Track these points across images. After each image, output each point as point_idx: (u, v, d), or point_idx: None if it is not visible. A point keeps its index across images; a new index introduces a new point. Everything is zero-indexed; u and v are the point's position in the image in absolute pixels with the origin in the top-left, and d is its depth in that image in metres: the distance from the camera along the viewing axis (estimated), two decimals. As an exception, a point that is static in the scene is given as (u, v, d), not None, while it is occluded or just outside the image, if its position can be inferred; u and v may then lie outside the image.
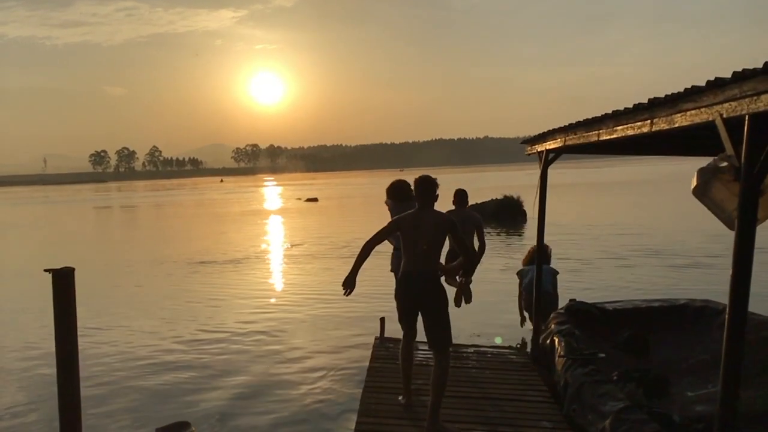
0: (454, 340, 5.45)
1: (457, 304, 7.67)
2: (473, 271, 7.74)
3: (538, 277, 7.29)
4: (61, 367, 3.96)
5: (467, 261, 5.24)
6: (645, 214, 27.62)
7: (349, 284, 5.06)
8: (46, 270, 4.12)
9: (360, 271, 5.04)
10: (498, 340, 6.31)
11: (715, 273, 13.12)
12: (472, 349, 7.37)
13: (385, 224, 5.19)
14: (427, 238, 5.00)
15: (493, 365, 6.72)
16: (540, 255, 7.35)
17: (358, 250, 5.05)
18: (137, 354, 8.81)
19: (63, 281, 4.00)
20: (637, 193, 43.98)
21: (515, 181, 57.74)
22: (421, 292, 5.05)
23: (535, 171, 7.12)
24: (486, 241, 7.81)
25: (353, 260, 5.07)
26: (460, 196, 7.98)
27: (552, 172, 7.16)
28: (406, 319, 5.26)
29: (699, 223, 21.17)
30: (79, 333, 4.14)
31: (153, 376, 7.83)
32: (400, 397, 5.56)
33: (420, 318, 5.19)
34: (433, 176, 5.24)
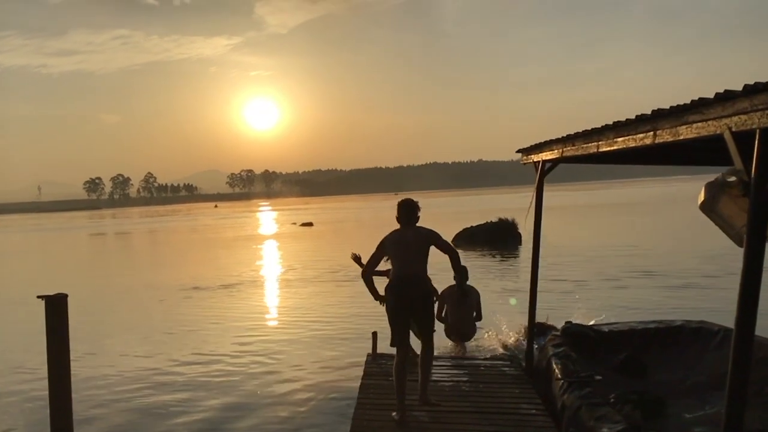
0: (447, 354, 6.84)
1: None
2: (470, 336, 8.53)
3: (533, 288, 7.23)
4: (54, 391, 3.93)
5: (455, 259, 5.85)
6: (640, 236, 27.68)
7: (378, 299, 5.89)
8: (39, 297, 4.11)
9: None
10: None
11: (710, 294, 13.12)
12: (465, 362, 7.31)
13: (375, 252, 5.79)
14: (413, 247, 5.67)
15: (486, 378, 6.67)
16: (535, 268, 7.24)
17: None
18: (129, 377, 8.76)
19: (56, 307, 3.99)
20: (631, 215, 44.11)
21: (510, 204, 57.86)
22: (414, 292, 5.65)
23: (530, 194, 7.10)
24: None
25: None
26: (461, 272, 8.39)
27: (546, 194, 7.14)
28: (399, 324, 5.68)
29: (694, 243, 21.26)
30: (71, 357, 4.11)
31: (145, 399, 7.78)
32: (394, 413, 5.55)
33: (408, 331, 5.82)
34: (418, 199, 5.95)
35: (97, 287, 19.04)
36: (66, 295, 4.05)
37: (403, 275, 5.65)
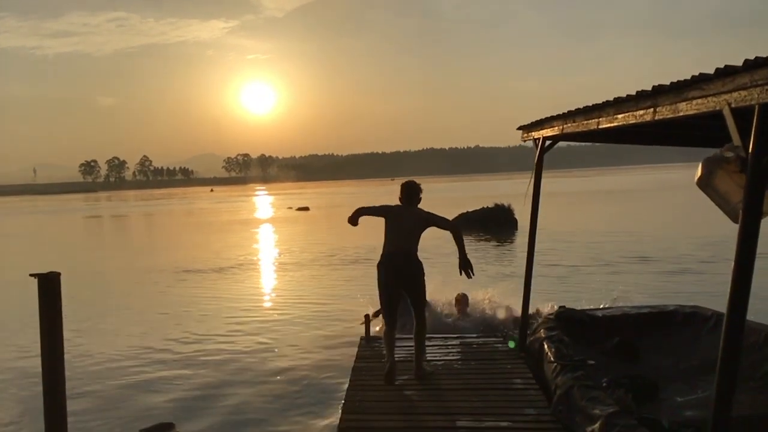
0: (442, 334, 7.17)
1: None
2: None
3: (529, 266, 7.24)
4: (47, 368, 3.92)
5: (454, 230, 6.03)
6: (635, 222, 27.73)
7: (352, 223, 6.08)
8: (31, 275, 4.09)
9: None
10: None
11: (703, 279, 13.18)
12: (457, 341, 7.34)
13: (378, 205, 6.21)
14: (409, 225, 5.95)
15: (478, 356, 6.70)
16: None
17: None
18: (123, 354, 8.84)
19: (49, 285, 3.97)
20: (627, 202, 44.17)
21: (506, 190, 57.89)
22: (403, 267, 5.92)
23: (525, 181, 7.09)
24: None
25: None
26: (464, 299, 9.09)
27: (543, 180, 7.12)
28: (388, 298, 5.97)
29: (688, 230, 21.32)
30: (65, 336, 4.11)
31: (139, 375, 7.87)
32: (387, 363, 5.86)
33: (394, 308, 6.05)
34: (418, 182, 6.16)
35: (91, 269, 19.01)
36: (59, 273, 4.03)
37: (393, 251, 5.92)
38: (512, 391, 5.60)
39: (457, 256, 5.97)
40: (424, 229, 5.97)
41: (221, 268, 17.75)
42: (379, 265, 6.00)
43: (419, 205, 6.14)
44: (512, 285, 12.02)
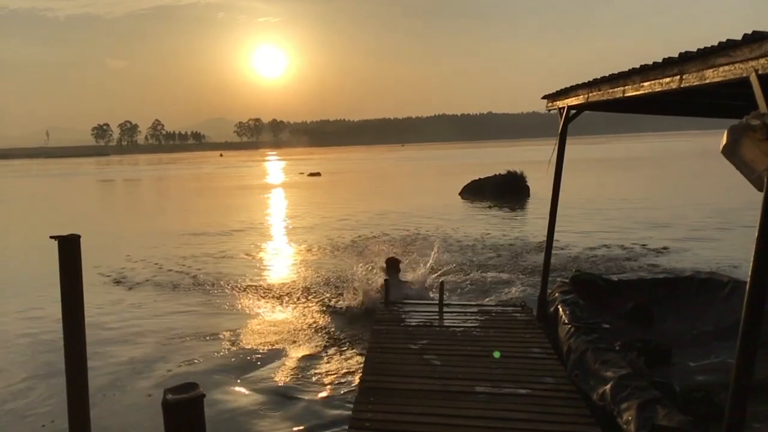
0: (459, 300, 7.75)
1: None
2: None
3: (550, 234, 7.25)
4: (68, 330, 3.98)
5: None
6: (651, 189, 27.51)
7: None
8: (52, 237, 4.12)
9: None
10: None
11: (721, 247, 13.10)
12: (476, 308, 7.39)
13: None
14: None
15: (497, 324, 6.76)
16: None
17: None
18: (147, 313, 9.15)
19: (69, 247, 4.00)
20: (643, 169, 43.71)
21: (518, 157, 57.50)
22: None
23: (538, 148, 7.08)
24: None
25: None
26: (394, 263, 9.48)
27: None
28: None
29: (704, 198, 21.16)
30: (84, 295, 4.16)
31: (156, 333, 8.10)
32: None
33: None
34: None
35: (99, 233, 19.16)
36: (79, 236, 4.06)
37: None
38: (531, 360, 5.64)
39: None
40: None
41: (237, 231, 17.88)
42: None
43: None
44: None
